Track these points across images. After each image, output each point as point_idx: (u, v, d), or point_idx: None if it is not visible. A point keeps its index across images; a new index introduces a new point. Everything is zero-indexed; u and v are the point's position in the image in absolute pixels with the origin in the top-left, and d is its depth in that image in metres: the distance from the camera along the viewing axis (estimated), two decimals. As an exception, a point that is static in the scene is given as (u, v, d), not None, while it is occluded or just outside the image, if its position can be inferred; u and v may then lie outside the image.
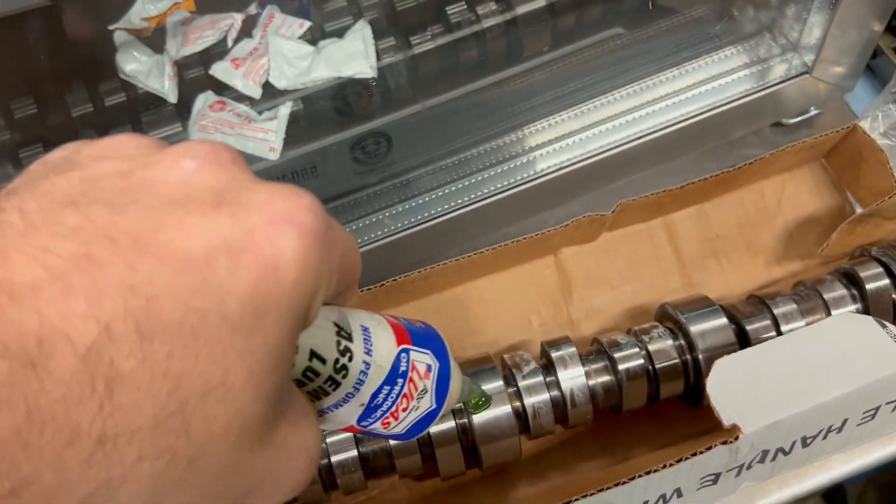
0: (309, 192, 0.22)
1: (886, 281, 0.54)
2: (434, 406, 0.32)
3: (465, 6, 0.66)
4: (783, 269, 0.62)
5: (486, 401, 0.49)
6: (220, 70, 0.68)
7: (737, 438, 0.42)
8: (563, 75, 0.66)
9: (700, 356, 0.52)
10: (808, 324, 0.53)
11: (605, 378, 0.52)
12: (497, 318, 0.60)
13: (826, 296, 0.54)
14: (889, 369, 0.44)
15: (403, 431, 0.32)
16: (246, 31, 0.70)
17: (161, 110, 0.64)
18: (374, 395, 0.29)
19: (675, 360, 0.52)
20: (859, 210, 0.61)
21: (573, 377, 0.52)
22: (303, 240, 0.21)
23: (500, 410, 0.50)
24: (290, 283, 0.20)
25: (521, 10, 0.65)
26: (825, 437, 0.46)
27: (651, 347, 0.52)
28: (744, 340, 0.53)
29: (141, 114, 0.63)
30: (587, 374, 0.52)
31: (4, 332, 0.17)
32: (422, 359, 0.31)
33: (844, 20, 0.58)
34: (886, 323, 0.45)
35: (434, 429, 0.50)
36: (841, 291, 0.54)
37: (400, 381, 0.30)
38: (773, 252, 0.62)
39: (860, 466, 0.50)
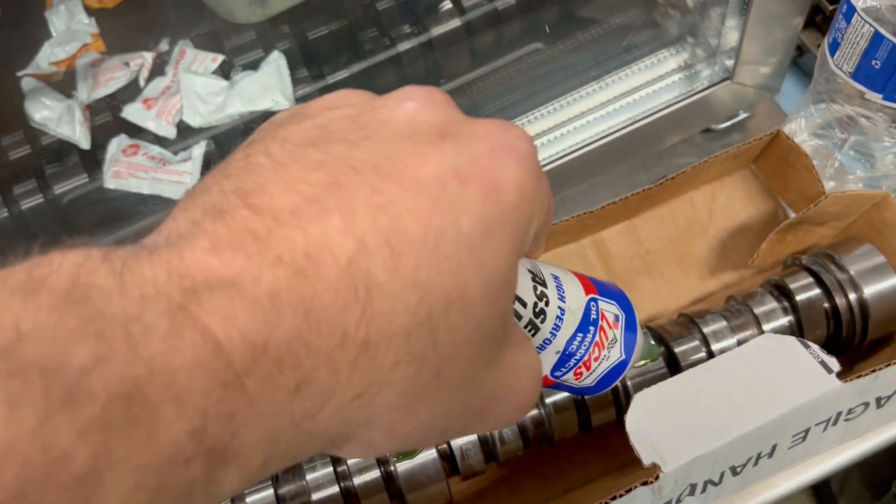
0: (519, 126, 0.24)
1: (817, 291, 0.53)
2: (624, 356, 0.32)
3: (378, 32, 0.64)
4: (718, 280, 0.61)
5: (656, 356, 0.50)
6: (132, 112, 0.66)
7: (657, 478, 0.40)
8: (482, 96, 0.64)
9: (629, 382, 0.50)
10: (738, 341, 0.52)
11: (533, 412, 0.51)
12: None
13: (757, 310, 0.53)
14: (814, 392, 0.42)
15: (594, 383, 0.32)
16: (158, 69, 0.68)
17: (67, 161, 0.62)
18: (569, 343, 0.29)
19: (605, 389, 0.51)
20: (793, 215, 0.60)
21: (500, 414, 0.50)
22: (520, 165, 0.22)
23: (425, 456, 0.49)
24: (511, 205, 0.22)
25: (436, 31, 0.64)
26: (756, 464, 0.45)
27: (579, 377, 0.51)
28: (673, 362, 0.51)
29: (44, 166, 0.61)
30: (515, 410, 0.50)
31: (275, 246, 0.19)
32: (609, 308, 0.31)
33: (759, 23, 0.56)
34: (809, 343, 0.44)
35: (358, 479, 0.49)
36: (772, 304, 0.53)
37: (592, 328, 0.30)
38: (707, 264, 0.61)
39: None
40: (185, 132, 0.66)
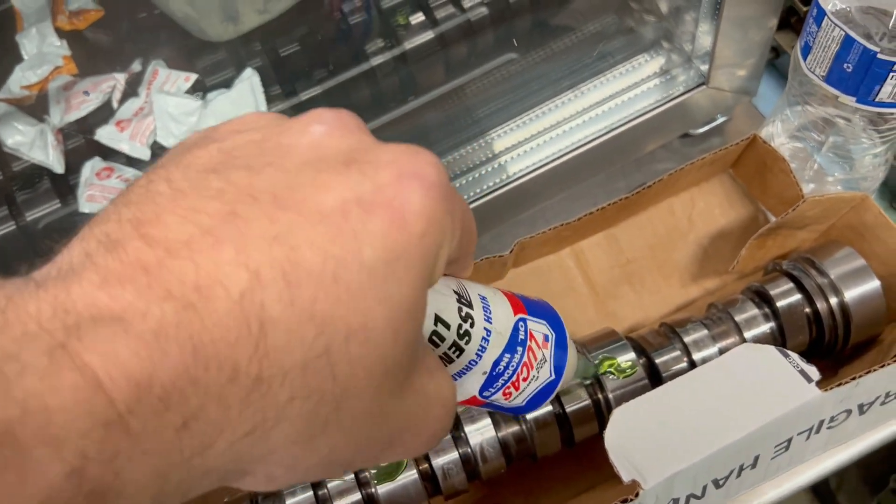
0: (430, 151, 0.23)
1: (798, 296, 0.52)
2: (553, 377, 0.32)
3: (351, 46, 0.63)
4: (700, 287, 0.60)
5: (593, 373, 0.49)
6: (105, 134, 0.65)
7: (637, 495, 0.40)
8: (458, 108, 0.64)
9: (610, 395, 0.50)
10: (720, 349, 0.51)
11: (515, 428, 0.50)
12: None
13: (738, 318, 0.52)
14: (794, 401, 0.42)
15: (524, 403, 0.32)
16: (131, 90, 0.68)
17: (39, 186, 0.61)
18: (496, 364, 0.29)
19: (587, 402, 0.50)
20: (773, 219, 0.60)
21: (481, 431, 0.49)
22: (428, 192, 0.22)
23: (406, 477, 0.48)
24: (418, 234, 0.21)
25: (409, 44, 0.63)
26: (739, 476, 0.44)
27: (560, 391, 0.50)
28: (654, 373, 0.51)
29: (16, 192, 0.60)
30: (496, 425, 0.50)
31: (165, 280, 0.18)
32: (539, 328, 0.31)
33: (731, 26, 0.56)
34: (788, 352, 0.43)
35: (338, 502, 0.48)
36: (753, 311, 0.52)
37: (519, 349, 0.30)
38: (688, 270, 0.61)
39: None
40: (160, 153, 0.65)
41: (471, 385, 0.29)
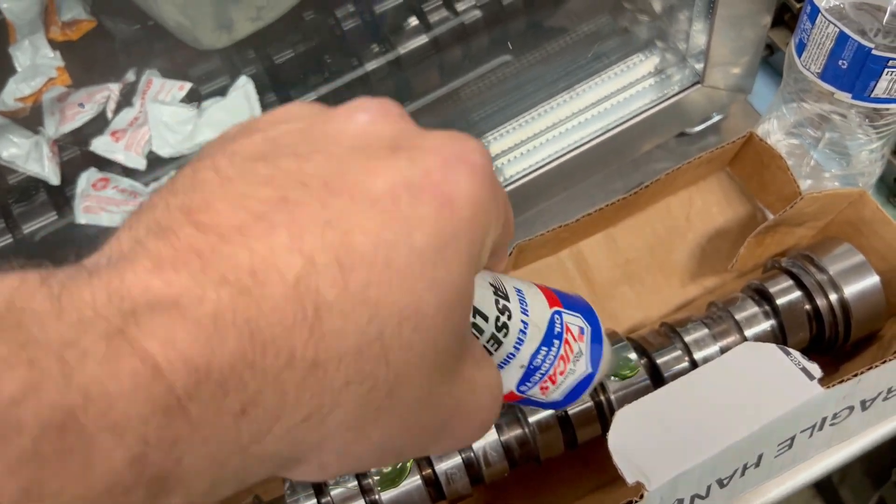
0: (474, 137, 0.23)
1: (798, 293, 0.52)
2: (590, 370, 0.32)
3: (345, 52, 0.63)
4: (699, 286, 0.60)
5: (633, 368, 0.49)
6: (100, 145, 0.65)
7: (642, 496, 0.40)
8: (453, 111, 0.64)
9: (612, 396, 0.49)
10: (721, 348, 0.51)
11: (517, 431, 0.50)
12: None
13: (738, 316, 0.52)
14: (797, 399, 0.42)
15: (561, 397, 0.31)
16: (125, 99, 0.68)
17: (35, 199, 0.61)
18: (533, 357, 0.29)
19: (588, 404, 0.50)
20: (771, 217, 0.60)
21: (484, 436, 0.49)
22: (474, 177, 0.22)
23: (410, 483, 0.48)
24: (466, 218, 0.21)
25: (404, 49, 0.63)
26: (743, 475, 0.44)
27: (562, 393, 0.50)
28: (656, 373, 0.51)
29: (12, 205, 0.60)
30: (499, 429, 0.50)
31: (221, 265, 0.18)
32: (574, 321, 0.31)
33: (725, 25, 0.56)
34: (790, 350, 0.43)
35: (342, 510, 0.48)
36: (753, 309, 0.52)
37: (556, 342, 0.30)
38: (688, 270, 0.60)
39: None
40: (156, 163, 0.65)
41: (508, 380, 0.29)
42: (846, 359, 0.55)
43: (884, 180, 0.63)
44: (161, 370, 0.17)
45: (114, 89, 0.67)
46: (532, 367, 0.29)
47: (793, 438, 0.44)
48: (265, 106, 0.64)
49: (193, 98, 0.67)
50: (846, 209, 0.56)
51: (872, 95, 0.47)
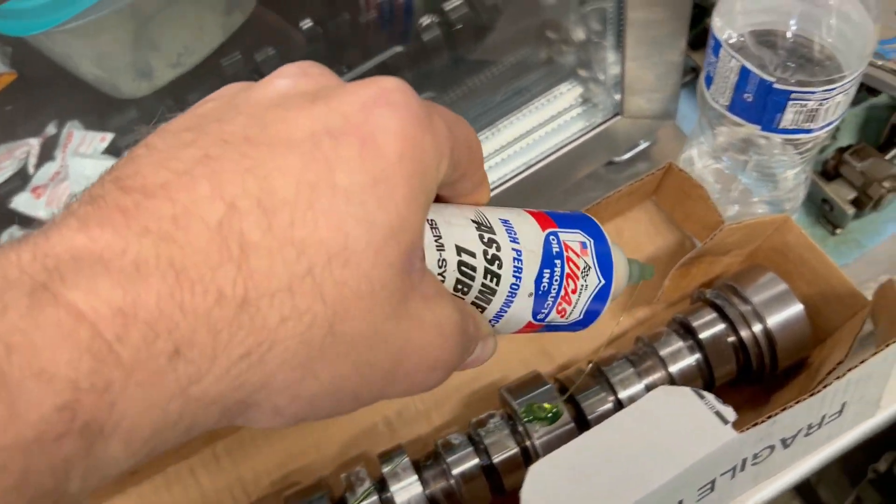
0: (394, 77, 0.23)
1: (721, 326, 0.52)
2: (603, 281, 0.31)
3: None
4: (631, 317, 0.60)
5: (556, 413, 0.49)
6: (21, 202, 0.64)
7: (555, 555, 0.39)
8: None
9: (537, 442, 0.49)
10: (646, 386, 0.51)
11: (442, 483, 0.49)
12: (341, 429, 0.56)
13: (662, 352, 0.51)
14: (712, 445, 0.41)
15: (581, 315, 0.31)
16: (47, 153, 0.67)
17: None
18: (538, 281, 0.29)
19: (514, 451, 0.49)
20: (698, 245, 0.59)
21: (408, 489, 0.48)
22: (397, 113, 0.22)
23: (333, 543, 0.47)
24: (395, 156, 0.22)
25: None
26: (663, 522, 0.43)
27: (487, 441, 0.49)
28: (580, 416, 0.50)
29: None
30: (424, 483, 0.49)
31: (143, 218, 0.19)
32: (573, 237, 0.31)
33: (638, 56, 0.56)
34: (704, 393, 0.43)
35: None
36: (678, 344, 0.52)
37: (557, 261, 0.29)
38: (619, 301, 0.60)
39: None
40: (79, 217, 0.64)
41: (522, 311, 0.29)
42: (777, 387, 0.55)
43: (813, 201, 0.63)
44: (85, 316, 0.18)
45: (34, 144, 0.66)
46: (541, 292, 0.29)
47: (713, 482, 0.43)
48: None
49: (115, 149, 0.66)
50: (772, 235, 0.56)
51: (780, 127, 0.47)
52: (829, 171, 0.61)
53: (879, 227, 0.61)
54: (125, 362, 0.18)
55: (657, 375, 0.51)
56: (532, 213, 0.30)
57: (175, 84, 0.65)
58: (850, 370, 0.43)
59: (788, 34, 0.45)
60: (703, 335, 0.51)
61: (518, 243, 0.28)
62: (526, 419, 0.49)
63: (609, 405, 0.50)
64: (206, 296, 0.19)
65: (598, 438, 0.43)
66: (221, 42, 0.66)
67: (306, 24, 0.64)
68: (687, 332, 0.52)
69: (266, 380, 0.21)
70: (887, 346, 0.43)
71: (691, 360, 0.51)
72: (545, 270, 0.29)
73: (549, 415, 0.49)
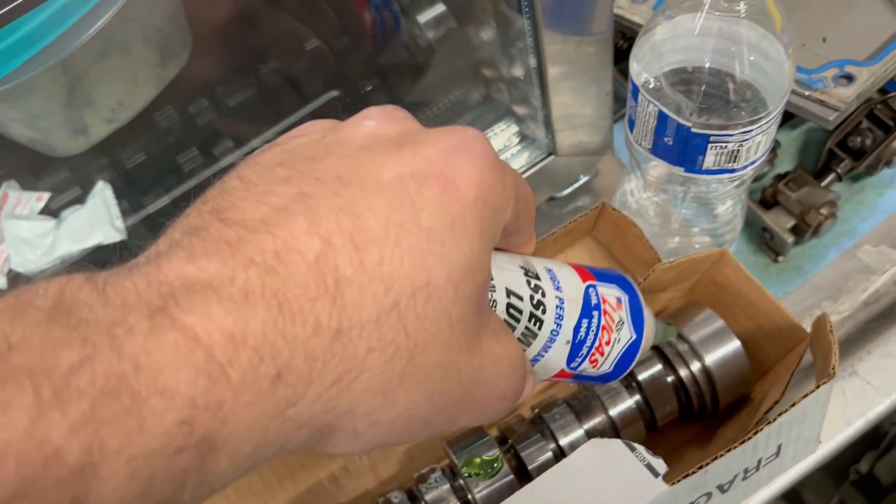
0: (472, 128, 0.25)
1: (659, 366, 0.51)
2: (635, 336, 0.33)
3: (198, 151, 0.62)
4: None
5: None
6: (-43, 267, 0.63)
7: None
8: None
9: (477, 496, 0.48)
10: (586, 431, 0.50)
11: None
12: (285, 489, 0.55)
13: (603, 396, 0.51)
14: (643, 498, 0.41)
15: (612, 368, 0.32)
16: (-17, 216, 0.66)
17: None
18: (576, 330, 0.30)
19: (455, 506, 0.49)
20: (640, 280, 0.59)
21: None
22: (474, 161, 0.24)
23: None
24: (471, 199, 0.23)
25: (257, 142, 0.62)
26: (602, 577, 0.43)
27: (428, 497, 0.49)
28: (521, 466, 0.50)
29: None
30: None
31: (247, 250, 0.21)
32: (610, 292, 0.32)
33: (562, 96, 0.55)
34: (635, 445, 0.42)
35: None
36: (618, 387, 0.51)
37: (595, 313, 0.31)
38: (563, 341, 0.59)
39: None
40: (18, 280, 0.63)
41: (558, 357, 0.30)
42: (722, 422, 0.54)
43: (754, 229, 0.63)
44: (201, 340, 0.19)
45: (-32, 207, 0.65)
46: (577, 341, 0.30)
47: (647, 534, 0.43)
48: (124, 211, 0.63)
49: (54, 207, 0.65)
50: (710, 269, 0.56)
51: (703, 168, 0.47)
52: (768, 199, 0.61)
53: (821, 253, 0.61)
54: (234, 384, 0.19)
55: (598, 420, 0.51)
56: (573, 266, 0.32)
57: (111, 140, 0.64)
58: (781, 414, 0.43)
59: (704, 75, 0.45)
60: (641, 376, 0.51)
61: (561, 291, 0.30)
62: (465, 472, 0.49)
63: (549, 454, 0.50)
64: (305, 325, 0.20)
65: (530, 497, 0.43)
66: (156, 94, 0.66)
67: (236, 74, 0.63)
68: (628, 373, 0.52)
69: (351, 405, 0.22)
70: (818, 387, 0.43)
71: (631, 402, 0.51)
72: (583, 320, 0.30)
73: (489, 468, 0.49)
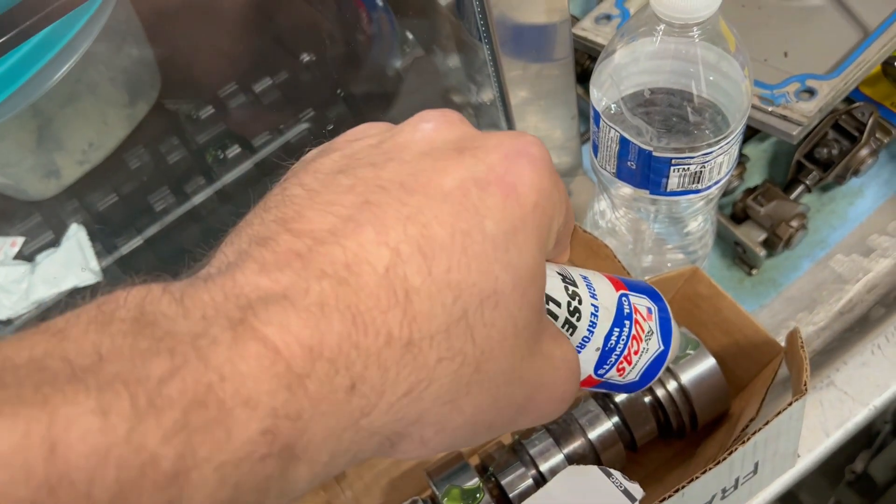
0: (529, 134, 0.26)
1: (636, 387, 0.51)
2: (662, 347, 0.33)
3: (170, 190, 0.62)
4: (555, 379, 0.59)
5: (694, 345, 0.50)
6: (-67, 315, 0.63)
7: None
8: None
9: (456, 528, 0.48)
10: (566, 456, 0.50)
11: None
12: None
13: (581, 419, 0.51)
14: (620, 523, 0.41)
15: (638, 378, 0.32)
16: (-42, 263, 0.65)
17: None
18: (607, 338, 0.30)
19: (437, 536, 0.49)
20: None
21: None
22: (534, 167, 0.24)
23: None
24: (531, 205, 0.23)
25: (229, 177, 0.62)
26: None
27: (410, 527, 0.49)
28: (502, 494, 0.49)
29: None
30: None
31: (319, 262, 0.21)
32: (641, 302, 0.32)
33: (529, 120, 0.56)
34: (611, 471, 0.42)
35: None
36: (595, 410, 0.52)
37: (627, 322, 0.31)
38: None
39: None
40: (-4, 327, 0.63)
41: (586, 364, 0.30)
42: (703, 438, 0.54)
43: (727, 243, 0.63)
44: (280, 351, 0.19)
45: (-57, 255, 0.65)
46: (607, 348, 0.30)
47: (627, 559, 0.43)
48: (99, 252, 0.63)
49: (29, 252, 0.65)
50: (683, 286, 0.56)
51: (668, 190, 0.47)
52: (738, 214, 0.61)
53: (794, 264, 0.62)
54: (311, 394, 0.20)
55: (577, 444, 0.51)
56: (605, 276, 0.32)
57: (83, 182, 0.64)
58: (755, 432, 0.43)
59: (664, 97, 0.45)
60: (618, 398, 0.51)
61: (596, 299, 0.30)
62: (446, 502, 0.49)
63: (530, 481, 0.50)
64: (378, 337, 0.21)
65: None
66: (127, 134, 0.66)
67: (207, 111, 0.64)
68: (604, 394, 0.52)
69: (421, 414, 0.22)
70: (790, 404, 0.43)
71: (609, 424, 0.51)
72: (615, 329, 0.31)
73: (470, 498, 0.49)
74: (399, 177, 0.23)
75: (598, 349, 0.30)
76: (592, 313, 0.30)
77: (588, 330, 0.30)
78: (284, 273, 0.21)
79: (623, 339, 0.31)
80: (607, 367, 0.31)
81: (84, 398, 0.17)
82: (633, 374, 0.32)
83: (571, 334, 0.29)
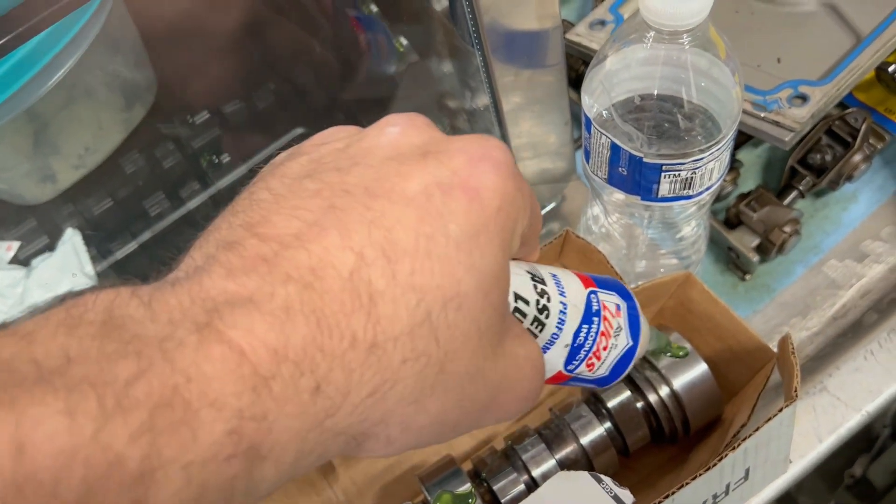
0: (494, 137, 0.26)
1: (627, 393, 0.52)
2: (631, 342, 0.34)
3: (164, 195, 0.62)
4: (545, 387, 0.59)
5: (685, 352, 0.51)
6: (-72, 320, 0.63)
7: None
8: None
9: (446, 535, 0.48)
10: (559, 461, 0.50)
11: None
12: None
13: (573, 424, 0.51)
14: (609, 529, 0.41)
15: (608, 373, 0.33)
16: (-47, 268, 0.66)
17: None
18: (576, 335, 0.31)
19: (429, 543, 0.49)
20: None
21: None
22: (498, 171, 0.24)
23: None
24: (494, 208, 0.24)
25: (223, 183, 0.62)
26: None
27: (402, 532, 0.49)
28: (495, 501, 0.50)
29: None
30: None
31: (284, 266, 0.21)
32: (609, 299, 0.33)
33: (524, 125, 0.56)
34: (602, 477, 0.42)
35: None
36: (587, 416, 0.52)
37: (595, 319, 0.32)
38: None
39: None
40: (-11, 330, 0.63)
41: (555, 360, 0.31)
42: (695, 444, 0.54)
43: (720, 248, 0.63)
44: (246, 354, 0.20)
45: (-62, 259, 0.65)
46: (576, 345, 0.31)
47: (617, 564, 0.43)
48: (94, 256, 0.63)
49: (25, 255, 0.65)
50: (676, 292, 0.56)
51: (659, 196, 0.47)
52: (732, 219, 0.61)
53: (788, 269, 0.62)
54: (277, 396, 0.20)
55: (569, 449, 0.51)
56: (575, 273, 0.33)
57: (78, 186, 0.65)
58: (745, 438, 0.43)
59: (655, 103, 0.46)
60: (611, 403, 0.51)
61: (565, 297, 0.31)
62: (438, 508, 0.49)
63: (522, 486, 0.50)
64: (342, 340, 0.21)
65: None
66: (123, 138, 0.66)
67: (202, 116, 0.64)
68: (596, 400, 0.52)
69: (385, 414, 0.23)
70: (781, 411, 0.43)
71: (601, 430, 0.51)
72: (584, 325, 0.31)
73: (463, 500, 0.49)
74: (364, 181, 0.23)
75: (567, 345, 0.31)
76: (561, 311, 0.30)
77: (557, 327, 0.30)
78: (251, 277, 0.21)
79: (592, 336, 0.32)
80: (577, 362, 0.32)
81: (52, 399, 0.18)
82: (602, 370, 0.33)
83: (540, 331, 0.30)
